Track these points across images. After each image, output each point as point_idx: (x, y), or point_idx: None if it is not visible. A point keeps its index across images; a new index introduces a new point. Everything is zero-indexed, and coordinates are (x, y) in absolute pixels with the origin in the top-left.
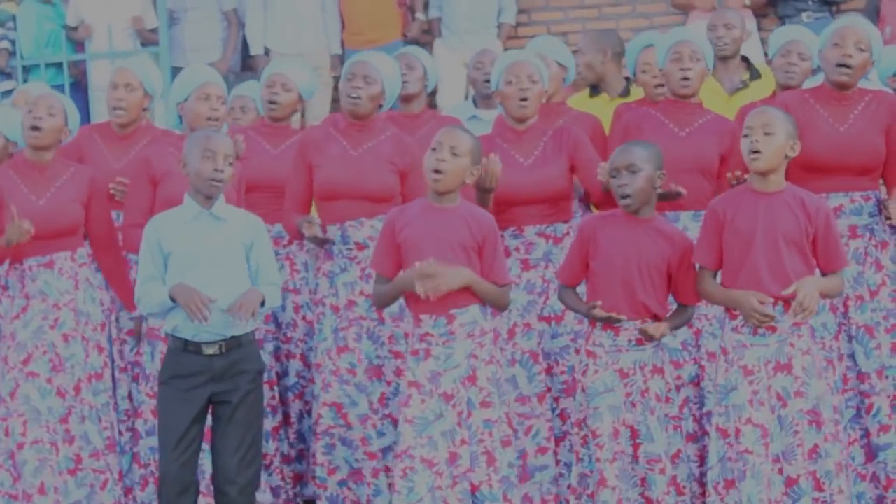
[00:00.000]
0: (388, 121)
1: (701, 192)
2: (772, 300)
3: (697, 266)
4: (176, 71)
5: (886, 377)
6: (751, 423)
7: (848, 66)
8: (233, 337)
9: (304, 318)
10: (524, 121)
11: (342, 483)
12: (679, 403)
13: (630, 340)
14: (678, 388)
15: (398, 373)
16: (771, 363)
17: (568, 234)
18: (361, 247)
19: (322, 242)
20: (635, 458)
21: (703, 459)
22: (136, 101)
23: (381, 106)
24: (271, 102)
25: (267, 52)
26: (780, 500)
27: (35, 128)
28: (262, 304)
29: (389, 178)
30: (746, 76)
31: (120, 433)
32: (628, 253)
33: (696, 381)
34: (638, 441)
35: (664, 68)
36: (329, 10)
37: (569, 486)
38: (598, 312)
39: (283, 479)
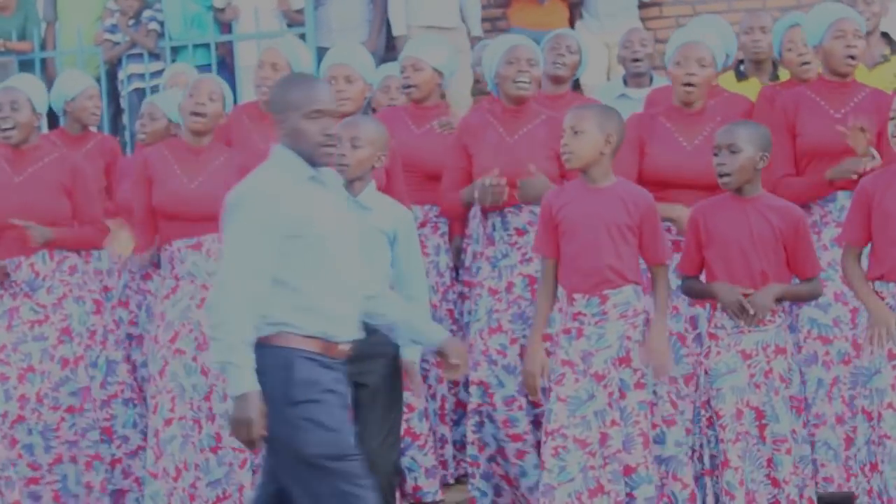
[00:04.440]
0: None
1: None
2: None
3: (844, 244)
4: (322, 51)
5: None
6: (892, 409)
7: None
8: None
9: (431, 302)
10: (689, 104)
11: (491, 458)
12: (830, 382)
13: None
14: (828, 366)
15: (545, 354)
16: None
17: None
18: (521, 232)
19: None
20: (762, 440)
21: (848, 441)
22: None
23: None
24: (406, 87)
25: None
26: None
27: (198, 114)
28: None
29: (546, 163)
30: (887, 51)
31: None
32: (740, 233)
33: (846, 360)
34: (764, 422)
35: (825, 45)
36: None
37: (703, 470)
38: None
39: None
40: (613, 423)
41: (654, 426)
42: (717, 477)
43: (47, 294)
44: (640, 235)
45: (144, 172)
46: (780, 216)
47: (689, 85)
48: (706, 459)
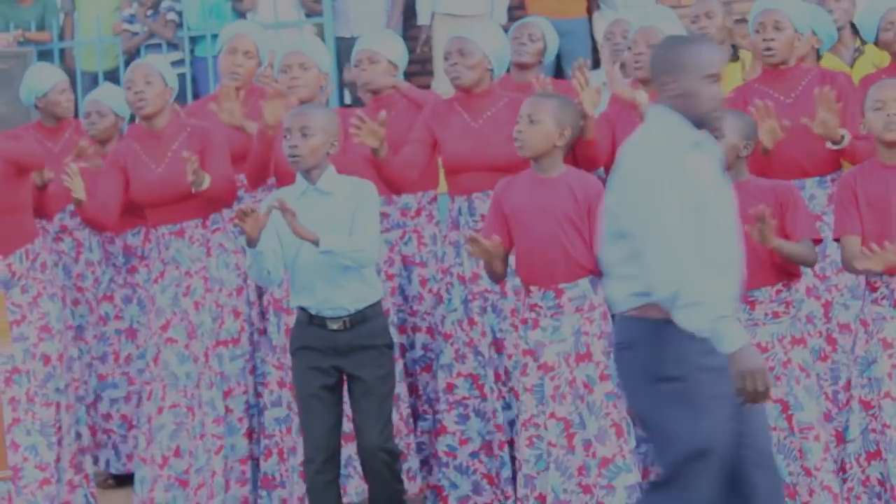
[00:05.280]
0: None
1: (822, 156)
2: None
3: (842, 240)
4: (340, 41)
5: None
6: (889, 398)
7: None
8: (357, 311)
9: (430, 290)
10: (644, 83)
11: (474, 454)
12: None
13: (766, 314)
14: None
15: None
16: None
17: None
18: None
19: None
20: (791, 430)
21: (839, 437)
22: (251, 68)
23: (491, 71)
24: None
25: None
26: None
27: (138, 100)
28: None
29: (511, 144)
30: (857, 42)
31: (260, 395)
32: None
33: (823, 356)
34: (790, 412)
35: (752, 38)
36: None
37: None
38: None
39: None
40: (553, 416)
41: (621, 417)
42: None
43: (22, 293)
44: (589, 222)
45: (116, 162)
46: (771, 194)
47: (638, 63)
48: None
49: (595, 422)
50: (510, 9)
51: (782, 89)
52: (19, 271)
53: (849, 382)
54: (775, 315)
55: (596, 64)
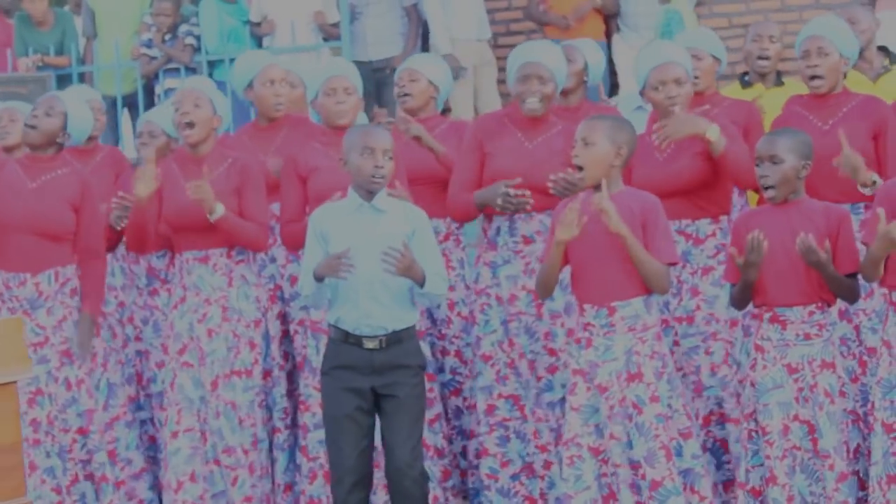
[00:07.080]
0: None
1: (854, 184)
2: None
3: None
4: (358, 65)
5: None
6: None
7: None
8: (393, 332)
9: (458, 314)
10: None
11: (515, 477)
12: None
13: (798, 335)
14: None
15: (551, 370)
16: None
17: (714, 234)
18: (528, 241)
19: (518, 206)
20: (816, 454)
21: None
22: (295, 96)
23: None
24: (400, 95)
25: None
26: None
27: (187, 124)
28: (422, 284)
29: (562, 170)
30: (886, 61)
31: (278, 430)
32: (784, 237)
33: (854, 378)
34: (815, 436)
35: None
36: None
37: (737, 483)
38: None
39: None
40: (612, 436)
41: (670, 439)
42: (749, 490)
43: (47, 315)
44: (644, 235)
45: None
46: (823, 216)
47: (672, 98)
48: (742, 474)
49: (644, 443)
50: (528, 32)
51: (821, 115)
52: (47, 292)
53: (873, 405)
54: (807, 336)
55: (614, 87)
